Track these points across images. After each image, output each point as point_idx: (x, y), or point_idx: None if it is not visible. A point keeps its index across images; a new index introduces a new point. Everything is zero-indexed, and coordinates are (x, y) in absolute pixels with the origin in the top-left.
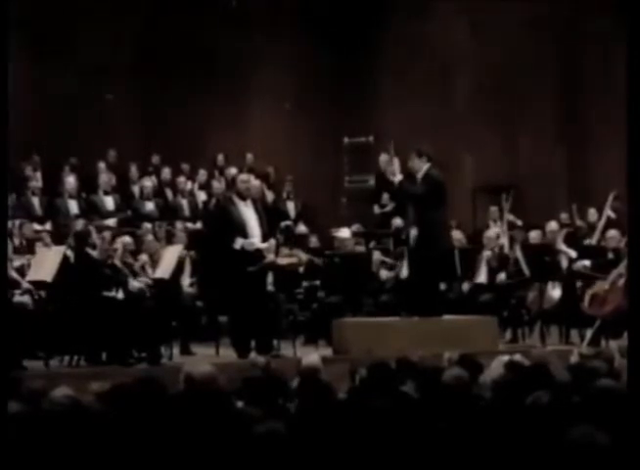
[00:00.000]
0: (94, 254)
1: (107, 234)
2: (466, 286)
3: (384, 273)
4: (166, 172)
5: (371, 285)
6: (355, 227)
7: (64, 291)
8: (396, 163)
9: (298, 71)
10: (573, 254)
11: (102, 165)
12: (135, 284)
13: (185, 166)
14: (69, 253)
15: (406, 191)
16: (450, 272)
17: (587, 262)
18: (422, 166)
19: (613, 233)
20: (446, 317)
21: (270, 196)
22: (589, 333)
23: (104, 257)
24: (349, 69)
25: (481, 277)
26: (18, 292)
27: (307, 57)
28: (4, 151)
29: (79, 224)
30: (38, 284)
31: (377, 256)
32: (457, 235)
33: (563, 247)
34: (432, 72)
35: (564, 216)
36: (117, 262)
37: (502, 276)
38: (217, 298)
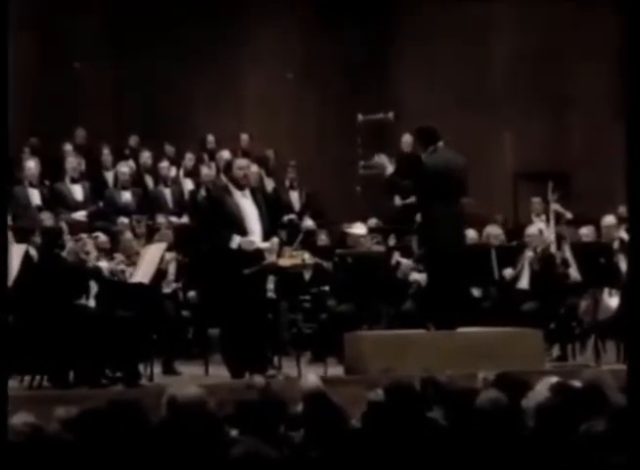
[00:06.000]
0: (63, 254)
1: (87, 238)
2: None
3: (416, 276)
4: (146, 156)
5: (391, 291)
6: (372, 222)
7: (25, 298)
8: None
9: (304, 36)
10: None
11: (69, 148)
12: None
13: (169, 149)
14: (33, 252)
15: (395, 184)
16: (485, 276)
17: None
18: (421, 152)
19: None
20: (481, 330)
21: (270, 184)
22: None
23: (75, 259)
24: (365, 32)
25: (524, 282)
26: None
27: (315, 18)
28: (4, 149)
29: (47, 219)
30: None
31: (397, 257)
32: (494, 231)
33: (624, 235)
34: (465, 38)
35: (622, 210)
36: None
37: (574, 273)
38: (207, 306)
